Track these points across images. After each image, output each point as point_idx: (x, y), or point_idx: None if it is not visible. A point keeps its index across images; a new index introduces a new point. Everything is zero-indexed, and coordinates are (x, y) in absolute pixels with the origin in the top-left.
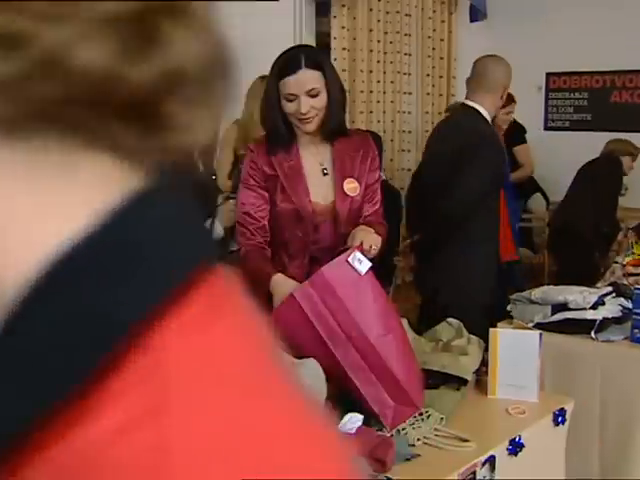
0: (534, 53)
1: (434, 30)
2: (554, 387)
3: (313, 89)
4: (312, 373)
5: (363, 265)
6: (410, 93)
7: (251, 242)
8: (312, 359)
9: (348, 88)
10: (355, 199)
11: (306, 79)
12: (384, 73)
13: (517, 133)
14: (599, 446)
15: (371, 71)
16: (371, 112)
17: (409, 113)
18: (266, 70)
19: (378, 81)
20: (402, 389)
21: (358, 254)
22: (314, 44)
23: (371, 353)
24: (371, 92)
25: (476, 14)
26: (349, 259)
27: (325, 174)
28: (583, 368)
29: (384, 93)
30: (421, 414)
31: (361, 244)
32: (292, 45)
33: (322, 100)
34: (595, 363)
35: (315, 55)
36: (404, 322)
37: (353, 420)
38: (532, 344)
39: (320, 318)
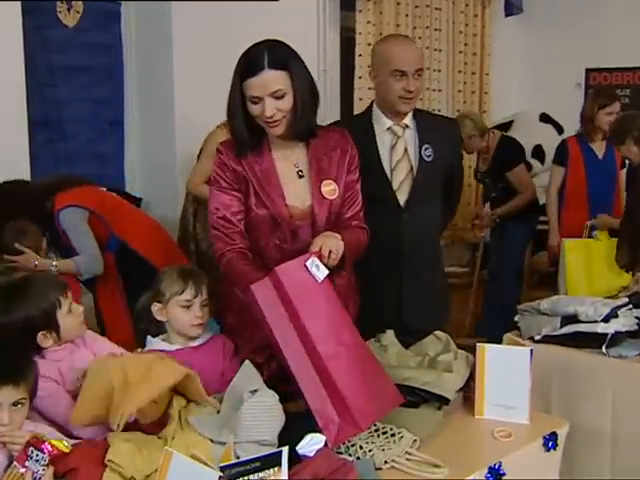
0: (573, 48)
1: (466, 25)
2: (561, 404)
3: (278, 91)
4: (267, 403)
5: (320, 272)
6: (440, 90)
7: (233, 247)
8: (268, 391)
9: (371, 85)
10: (334, 202)
11: (270, 80)
12: None
13: (512, 152)
14: (611, 469)
15: None
16: None
17: (439, 111)
18: None
19: None
20: (347, 407)
21: (316, 260)
22: (338, 40)
23: (320, 365)
24: None
25: (511, 8)
26: (307, 263)
27: (301, 176)
28: (593, 385)
29: None
30: (393, 435)
31: (320, 250)
32: (316, 41)
33: (288, 102)
34: (606, 380)
35: (281, 53)
36: (389, 333)
37: (314, 442)
38: (522, 361)
39: (275, 318)
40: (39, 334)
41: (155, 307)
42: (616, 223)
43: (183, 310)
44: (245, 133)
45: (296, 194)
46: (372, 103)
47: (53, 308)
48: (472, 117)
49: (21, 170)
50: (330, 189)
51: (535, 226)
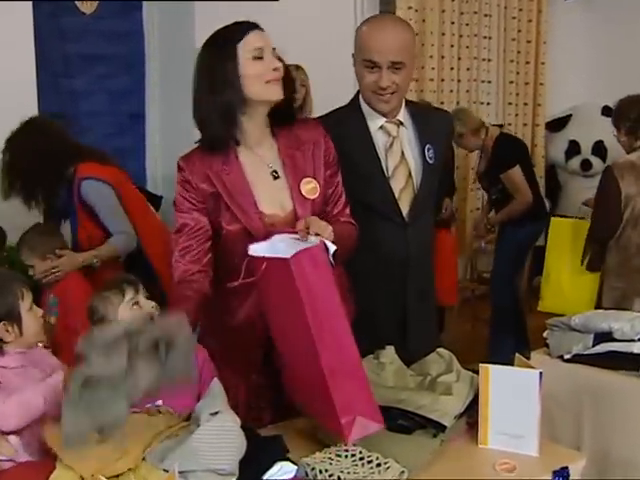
0: None
1: (520, 10)
2: (594, 431)
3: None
4: (226, 428)
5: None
6: (489, 82)
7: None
8: (230, 415)
9: (415, 76)
10: (316, 201)
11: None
12: (459, 59)
13: (507, 153)
14: None
15: (443, 57)
16: (442, 103)
17: (488, 104)
18: (326, 50)
19: (451, 68)
20: (369, 398)
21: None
22: None
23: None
24: (442, 80)
25: None
26: (328, 245)
27: (276, 177)
28: (629, 410)
29: (458, 81)
30: (379, 465)
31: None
32: (353, 28)
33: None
34: None
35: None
36: (389, 350)
37: (284, 471)
38: (531, 386)
39: (309, 291)
40: (0, 324)
41: None
42: None
43: (134, 310)
44: (217, 123)
45: (274, 199)
46: (358, 93)
47: (15, 300)
48: (458, 115)
49: None
50: (310, 187)
51: (539, 231)
